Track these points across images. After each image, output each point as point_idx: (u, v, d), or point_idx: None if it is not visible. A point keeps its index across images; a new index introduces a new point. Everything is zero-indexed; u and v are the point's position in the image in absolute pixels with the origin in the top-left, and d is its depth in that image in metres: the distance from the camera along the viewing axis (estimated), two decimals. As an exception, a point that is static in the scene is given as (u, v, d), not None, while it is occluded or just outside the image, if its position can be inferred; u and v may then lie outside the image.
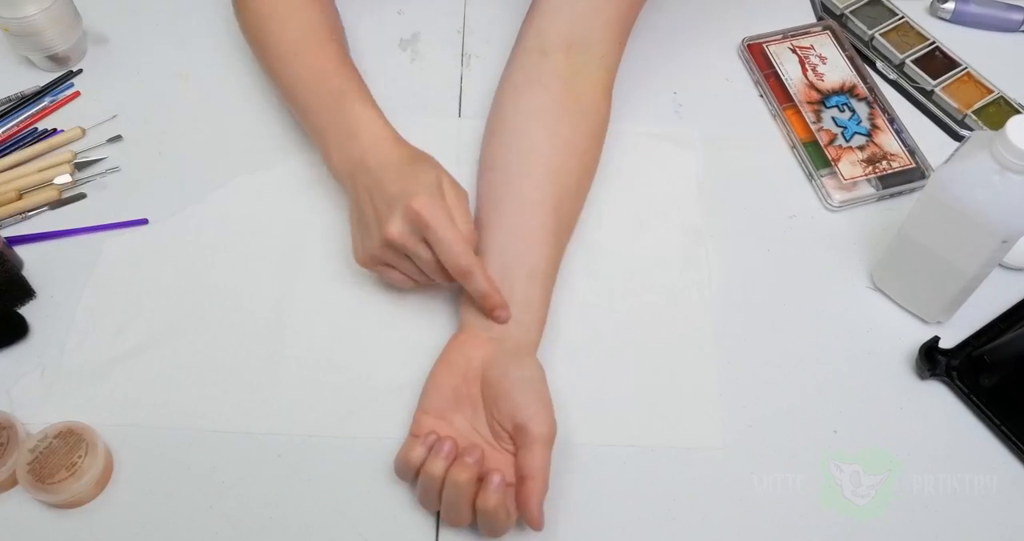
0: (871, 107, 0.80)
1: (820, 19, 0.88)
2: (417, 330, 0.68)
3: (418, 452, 0.57)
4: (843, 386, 0.66)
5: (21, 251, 0.72)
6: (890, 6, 0.88)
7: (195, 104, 0.81)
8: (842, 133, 0.79)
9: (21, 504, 0.61)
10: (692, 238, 0.73)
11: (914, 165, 0.77)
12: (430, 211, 0.60)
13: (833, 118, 0.80)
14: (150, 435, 0.63)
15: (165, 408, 0.65)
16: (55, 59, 0.83)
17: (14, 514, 0.60)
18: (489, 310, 0.62)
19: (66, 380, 0.66)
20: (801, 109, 0.80)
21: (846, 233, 0.74)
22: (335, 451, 0.63)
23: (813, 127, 0.79)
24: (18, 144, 0.78)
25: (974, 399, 0.65)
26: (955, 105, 0.81)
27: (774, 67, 0.83)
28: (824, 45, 0.85)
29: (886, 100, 0.81)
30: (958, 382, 0.65)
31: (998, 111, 0.80)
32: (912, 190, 0.76)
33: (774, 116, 0.81)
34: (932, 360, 0.66)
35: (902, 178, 0.76)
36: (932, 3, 0.88)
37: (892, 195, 0.76)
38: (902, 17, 0.87)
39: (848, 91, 0.82)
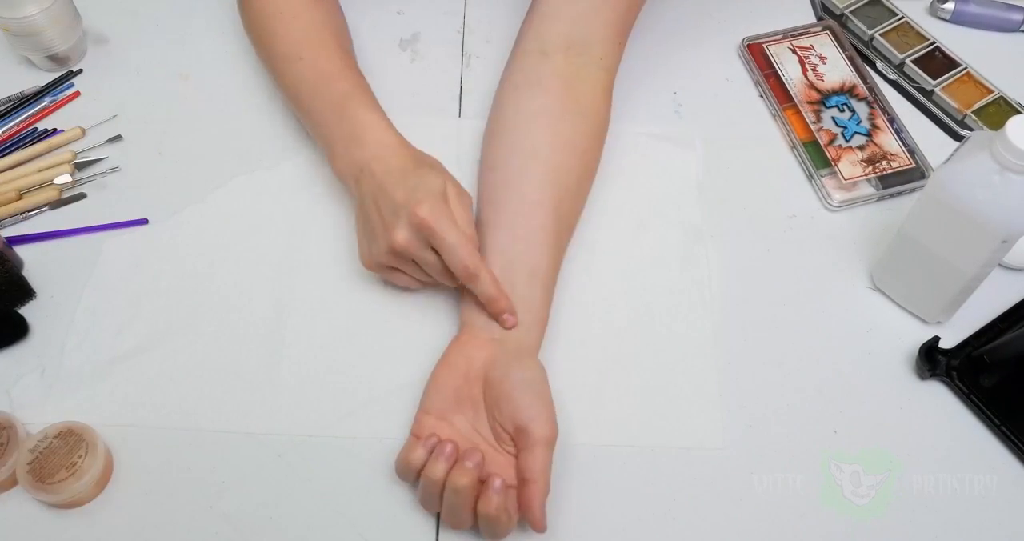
0: (871, 107, 0.80)
1: (820, 19, 0.88)
2: (417, 330, 0.68)
3: (419, 454, 0.57)
4: (843, 386, 0.66)
5: (21, 251, 0.72)
6: (890, 6, 0.88)
7: (195, 104, 0.81)
8: (842, 133, 0.79)
9: (21, 504, 0.61)
10: (692, 238, 0.73)
11: (914, 165, 0.77)
12: (435, 219, 0.60)
13: (833, 118, 0.80)
14: (150, 435, 0.63)
15: (165, 408, 0.65)
16: (55, 59, 0.83)
17: (14, 514, 0.60)
18: (496, 314, 0.62)
19: (66, 380, 0.66)
20: (801, 109, 0.80)
21: (846, 233, 0.74)
22: (335, 451, 0.63)
23: (813, 127, 0.79)
24: (18, 144, 0.78)
25: (974, 399, 0.65)
26: (955, 105, 0.81)
27: (774, 67, 0.83)
28: (824, 45, 0.85)
29: (886, 100, 0.81)
30: (958, 382, 0.65)
31: (998, 111, 0.80)
32: (912, 190, 0.76)
33: (774, 116, 0.81)
34: (932, 360, 0.66)
35: (902, 178, 0.76)
36: (932, 3, 0.88)
37: (892, 195, 0.76)
38: (902, 17, 0.87)
39: (848, 91, 0.82)
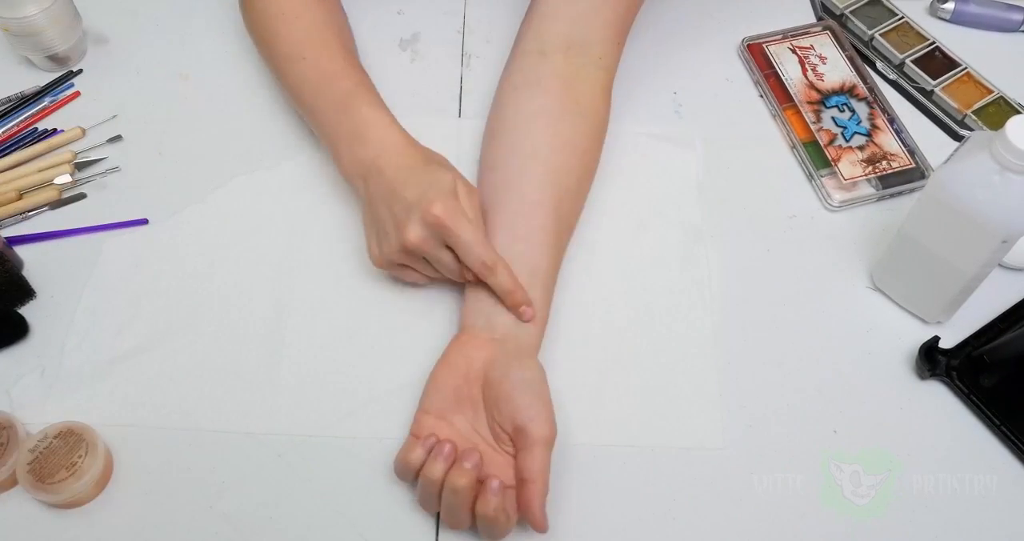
0: (871, 107, 0.80)
1: (820, 19, 0.88)
2: (417, 330, 0.68)
3: (417, 454, 0.57)
4: (843, 386, 0.66)
5: (21, 251, 0.72)
6: (890, 6, 0.88)
7: (195, 104, 0.81)
8: (842, 133, 0.79)
9: (21, 504, 0.61)
10: (692, 238, 0.73)
11: (914, 165, 0.77)
12: (450, 216, 0.60)
13: (833, 118, 0.80)
14: (150, 435, 0.63)
15: (165, 408, 0.65)
16: (55, 59, 0.83)
17: (14, 514, 0.60)
18: (514, 307, 0.62)
19: (66, 380, 0.66)
20: (801, 109, 0.80)
21: (846, 233, 0.74)
22: (335, 451, 0.63)
23: (813, 127, 0.79)
24: (18, 144, 0.78)
25: (974, 399, 0.65)
26: (955, 105, 0.81)
27: (774, 67, 0.83)
28: (824, 45, 0.85)
29: (886, 100, 0.81)
30: (958, 382, 0.65)
31: (998, 111, 0.80)
32: (912, 190, 0.76)
33: (774, 116, 0.81)
34: (932, 360, 0.66)
35: (902, 178, 0.76)
36: (932, 3, 0.88)
37: (892, 195, 0.76)
38: (902, 17, 0.87)
39: (848, 91, 0.82)
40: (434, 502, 0.57)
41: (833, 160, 0.77)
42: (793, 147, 0.79)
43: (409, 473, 0.58)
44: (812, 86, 0.82)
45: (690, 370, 0.67)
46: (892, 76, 0.84)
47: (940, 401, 0.66)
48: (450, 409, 0.60)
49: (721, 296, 0.70)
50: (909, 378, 0.67)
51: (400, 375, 0.65)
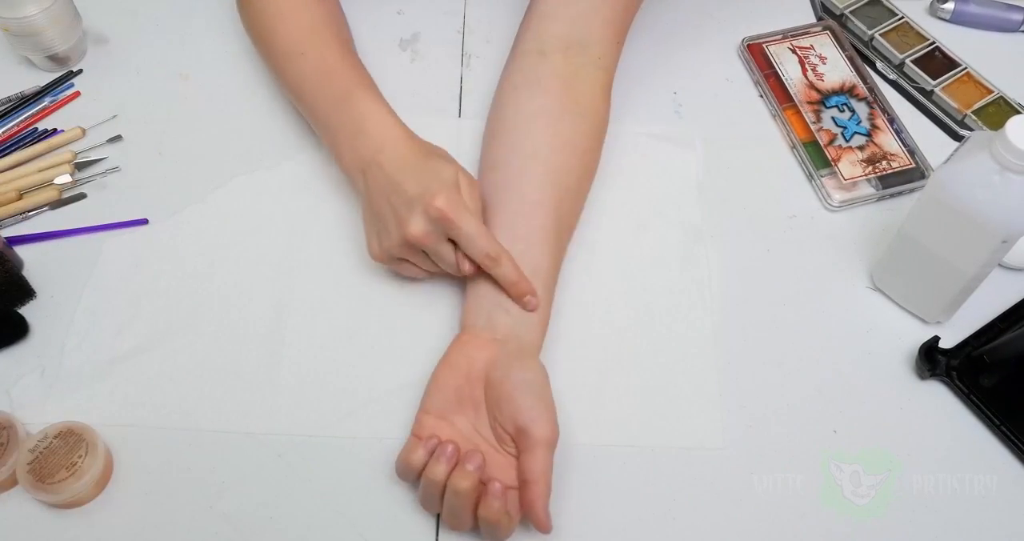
0: (871, 107, 0.80)
1: (820, 19, 0.88)
2: (417, 330, 0.68)
3: (419, 455, 0.57)
4: (843, 386, 0.66)
5: (21, 251, 0.72)
6: (890, 6, 0.88)
7: (195, 104, 0.81)
8: (842, 133, 0.79)
9: (21, 504, 0.61)
10: (692, 238, 0.73)
11: (914, 165, 0.77)
12: (453, 209, 0.60)
13: (833, 118, 0.80)
14: (150, 435, 0.63)
15: (165, 408, 0.65)
16: (55, 59, 0.83)
17: (14, 514, 0.60)
18: (519, 297, 0.63)
19: (66, 380, 0.66)
20: (801, 109, 0.80)
21: (846, 233, 0.74)
22: (335, 451, 0.63)
23: (813, 127, 0.79)
24: (18, 144, 0.78)
25: (974, 399, 0.65)
26: (955, 105, 0.81)
27: (774, 67, 0.83)
28: (824, 45, 0.85)
29: (886, 100, 0.81)
30: (958, 382, 0.65)
31: (998, 111, 0.80)
32: (912, 190, 0.76)
33: (774, 116, 0.81)
34: (932, 360, 0.66)
35: (902, 178, 0.76)
36: (932, 3, 0.88)
37: (892, 195, 0.76)
38: (902, 17, 0.87)
39: (848, 91, 0.82)
40: (436, 503, 0.57)
41: (833, 160, 0.77)
42: (793, 147, 0.79)
43: (411, 474, 0.58)
44: (812, 86, 0.82)
45: (690, 370, 0.67)
46: (892, 76, 0.84)
47: (940, 401, 0.66)
48: (451, 410, 0.60)
49: (721, 296, 0.70)
50: (909, 378, 0.67)
51: (400, 375, 0.65)
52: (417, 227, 0.61)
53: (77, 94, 0.82)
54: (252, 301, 0.70)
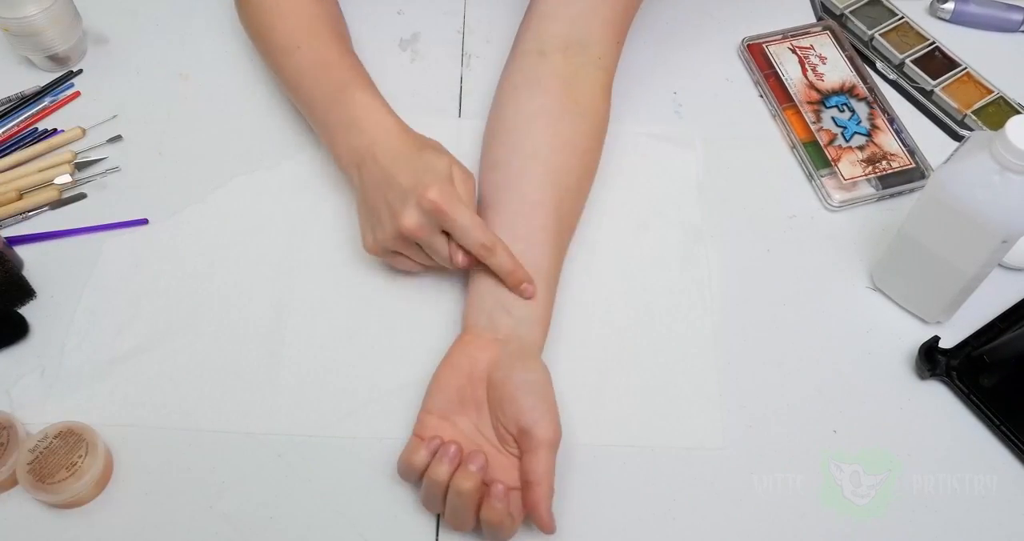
0: (871, 107, 0.80)
1: (820, 19, 0.88)
2: (417, 330, 0.68)
3: (421, 455, 0.57)
4: (843, 386, 0.66)
5: (21, 251, 0.72)
6: (890, 6, 0.88)
7: (195, 104, 0.81)
8: (842, 133, 0.79)
9: (21, 504, 0.61)
10: (692, 238, 0.73)
11: (914, 165, 0.77)
12: (446, 201, 0.61)
13: (833, 118, 0.80)
14: (150, 435, 0.63)
15: (165, 408, 0.65)
16: (55, 59, 0.83)
17: (14, 514, 0.60)
18: (515, 285, 0.63)
19: (66, 380, 0.66)
20: (801, 109, 0.80)
21: (846, 233, 0.74)
22: (335, 451, 0.63)
23: (813, 127, 0.79)
24: (18, 144, 0.78)
25: (974, 399, 0.65)
26: (955, 105, 0.81)
27: (774, 67, 0.83)
28: (824, 45, 0.85)
29: (886, 100, 0.81)
30: (958, 382, 0.65)
31: (998, 111, 0.80)
32: (912, 190, 0.76)
33: (774, 116, 0.81)
34: (932, 360, 0.66)
35: (902, 178, 0.76)
36: (932, 3, 0.88)
37: (892, 195, 0.76)
38: (902, 17, 0.87)
39: (848, 91, 0.82)
40: (438, 504, 0.57)
41: (833, 160, 0.77)
42: (793, 147, 0.79)
43: (413, 474, 0.58)
44: (812, 86, 0.82)
45: (690, 370, 0.67)
46: (892, 76, 0.84)
47: (940, 401, 0.66)
48: (453, 410, 0.60)
49: (721, 296, 0.70)
50: (909, 378, 0.67)
51: (400, 375, 0.65)
52: (411, 219, 0.61)
53: (77, 94, 0.82)
54: (252, 301, 0.70)
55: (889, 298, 0.70)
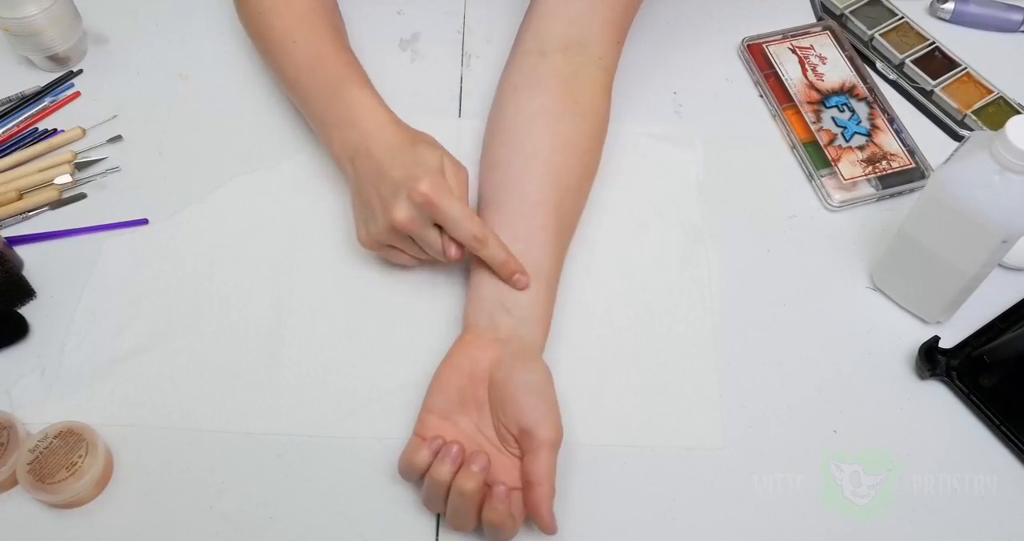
0: (871, 107, 0.80)
1: (820, 19, 0.88)
2: (417, 330, 0.68)
3: (423, 455, 0.57)
4: (843, 386, 0.66)
5: (21, 251, 0.72)
6: (890, 6, 0.88)
7: (195, 104, 0.81)
8: (842, 133, 0.79)
9: (21, 504, 0.61)
10: (692, 238, 0.73)
11: (914, 165, 0.77)
12: (437, 193, 0.61)
13: (833, 118, 0.80)
14: (150, 435, 0.63)
15: (165, 408, 0.65)
16: (55, 59, 0.83)
17: (14, 514, 0.60)
18: (508, 276, 0.63)
19: (66, 380, 0.66)
20: (801, 109, 0.80)
21: (846, 233, 0.74)
22: (335, 451, 0.63)
23: (813, 127, 0.79)
24: (18, 144, 0.78)
25: (974, 399, 0.65)
26: (955, 105, 0.81)
27: (774, 67, 0.83)
28: (824, 45, 0.85)
29: (886, 100, 0.81)
30: (958, 382, 0.65)
31: (998, 111, 0.80)
32: (912, 190, 0.76)
33: (774, 116, 0.81)
34: (932, 360, 0.66)
35: (902, 178, 0.76)
36: (932, 3, 0.88)
37: (892, 195, 0.76)
38: (902, 17, 0.87)
39: (848, 91, 0.82)
40: (440, 504, 0.57)
41: (833, 160, 0.77)
42: (793, 147, 0.79)
43: (414, 474, 0.58)
44: (812, 86, 0.82)
45: (690, 370, 0.67)
46: (892, 76, 0.84)
47: (940, 401, 0.66)
48: (454, 410, 0.60)
49: (721, 296, 0.70)
50: (909, 378, 0.67)
51: (400, 375, 0.65)
52: (402, 213, 0.61)
53: (77, 94, 0.82)
54: (252, 301, 0.70)
55: (889, 298, 0.70)
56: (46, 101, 0.82)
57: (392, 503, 0.61)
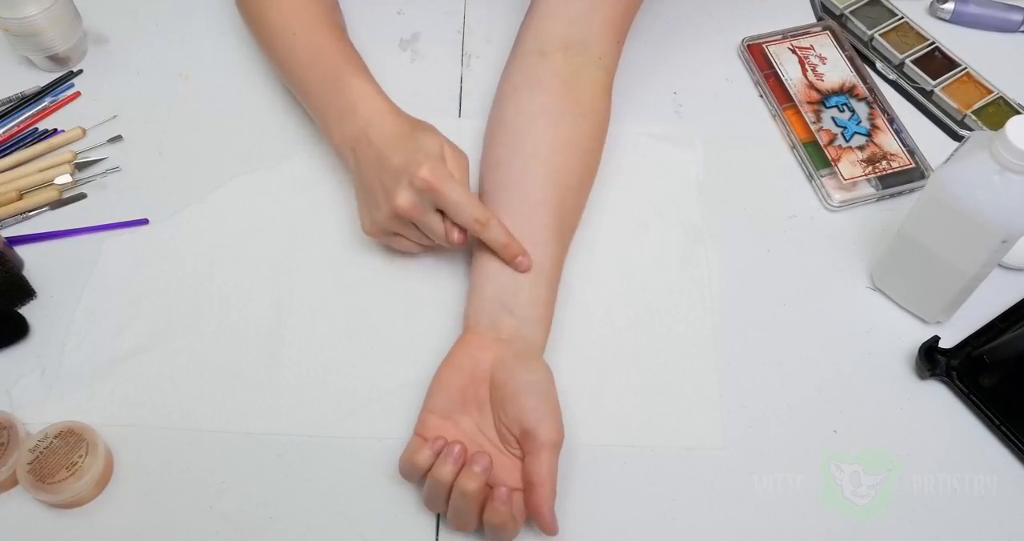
0: (871, 107, 0.80)
1: (820, 19, 0.88)
2: (417, 330, 0.68)
3: (425, 455, 0.57)
4: (843, 386, 0.66)
5: (21, 251, 0.72)
6: (890, 6, 0.88)
7: (195, 104, 0.81)
8: (842, 133, 0.79)
9: (21, 504, 0.61)
10: (692, 238, 0.73)
11: (914, 165, 0.77)
12: (437, 178, 0.61)
13: (833, 118, 0.80)
14: (150, 435, 0.63)
15: (165, 408, 0.65)
16: (55, 59, 0.83)
17: (14, 514, 0.60)
18: (511, 258, 0.63)
19: (66, 380, 0.66)
20: (801, 109, 0.80)
21: (846, 233, 0.74)
22: (335, 451, 0.63)
23: (813, 127, 0.79)
24: (19, 144, 0.78)
25: (974, 399, 0.65)
26: (955, 105, 0.81)
27: (774, 67, 0.83)
28: (824, 45, 0.85)
29: (886, 100, 0.81)
30: (958, 382, 0.65)
31: (998, 111, 0.80)
32: (912, 190, 0.76)
33: (774, 116, 0.81)
34: (932, 360, 0.66)
35: (902, 178, 0.76)
36: (932, 3, 0.88)
37: (892, 195, 0.76)
38: (902, 17, 0.87)
39: (848, 91, 0.82)
40: (442, 504, 0.57)
41: (833, 160, 0.77)
42: (793, 147, 0.79)
43: (416, 474, 0.58)
44: (812, 86, 0.82)
45: (690, 370, 0.67)
46: (892, 76, 0.84)
47: (940, 401, 0.66)
48: (456, 410, 0.60)
49: (721, 296, 0.70)
50: (909, 378, 0.67)
51: (400, 375, 0.65)
52: (404, 199, 0.62)
53: (77, 94, 0.82)
54: (252, 301, 0.70)
55: (889, 298, 0.70)
56: (46, 101, 0.82)
57: (392, 503, 0.61)
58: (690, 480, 0.62)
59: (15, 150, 0.78)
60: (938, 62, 0.84)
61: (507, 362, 0.60)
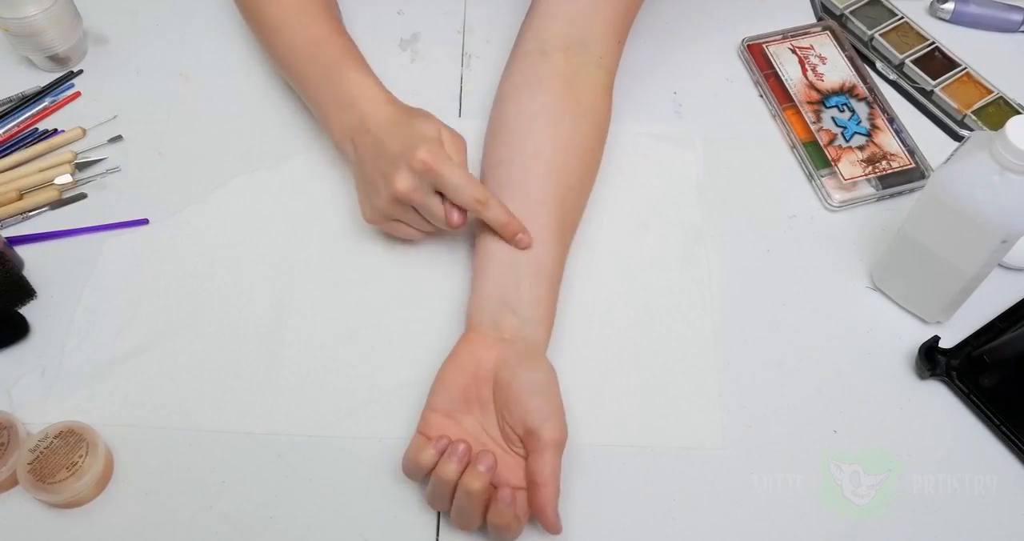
0: (871, 107, 0.80)
1: (820, 19, 0.88)
2: (417, 330, 0.68)
3: (429, 454, 0.57)
4: (843, 386, 0.66)
5: (21, 251, 0.72)
6: (890, 6, 0.88)
7: (195, 104, 0.81)
8: (842, 133, 0.79)
9: (21, 504, 0.61)
10: (692, 238, 0.73)
11: (914, 165, 0.77)
12: (435, 160, 0.61)
13: (833, 118, 0.80)
14: (150, 435, 0.63)
15: (165, 408, 0.65)
16: (55, 59, 0.83)
17: (14, 514, 0.60)
18: (511, 237, 0.63)
19: (66, 380, 0.66)
20: (801, 109, 0.80)
21: (846, 233, 0.74)
22: (335, 451, 0.63)
23: (813, 127, 0.79)
24: (19, 144, 0.78)
25: (974, 399, 0.65)
26: (955, 105, 0.81)
27: (774, 67, 0.83)
28: (824, 45, 0.85)
29: (886, 100, 0.81)
30: (958, 382, 0.65)
31: (998, 111, 0.80)
32: (912, 190, 0.76)
33: (774, 116, 0.81)
34: (932, 360, 0.66)
35: (902, 178, 0.76)
36: (932, 3, 0.88)
37: (892, 195, 0.76)
38: (902, 17, 0.87)
39: (848, 91, 0.82)
40: (445, 503, 0.57)
41: (833, 160, 0.77)
42: (793, 147, 0.79)
43: (419, 473, 0.58)
44: (812, 86, 0.82)
45: (690, 370, 0.67)
46: (892, 76, 0.84)
47: (940, 401, 0.66)
48: (458, 409, 0.60)
49: (721, 296, 0.70)
50: (909, 378, 0.67)
51: (400, 374, 0.65)
52: (403, 182, 0.62)
53: (77, 94, 0.82)
54: (252, 301, 0.70)
55: (889, 298, 0.70)
56: (46, 101, 0.82)
57: (392, 503, 0.61)
58: (690, 480, 0.62)
59: (15, 150, 0.78)
60: (938, 62, 0.84)
61: (510, 362, 0.60)
